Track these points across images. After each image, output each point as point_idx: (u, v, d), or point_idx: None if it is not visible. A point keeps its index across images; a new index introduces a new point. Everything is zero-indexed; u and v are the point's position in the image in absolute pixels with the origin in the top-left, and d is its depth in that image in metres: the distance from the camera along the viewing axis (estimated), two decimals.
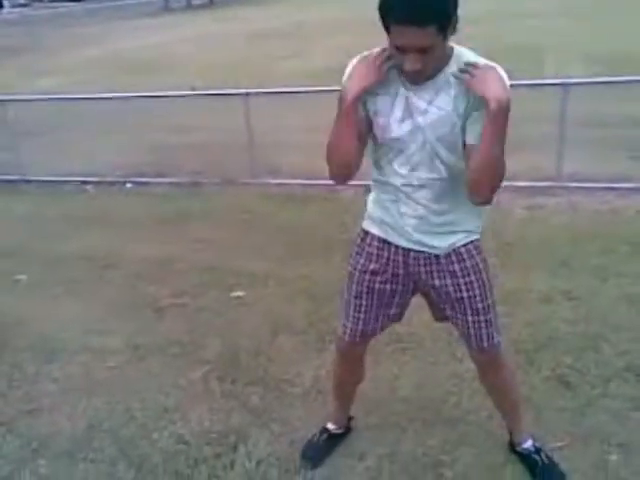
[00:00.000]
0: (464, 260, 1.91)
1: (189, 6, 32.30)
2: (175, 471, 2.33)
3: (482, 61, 1.67)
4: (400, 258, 1.94)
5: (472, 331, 1.97)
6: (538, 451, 2.20)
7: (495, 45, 11.15)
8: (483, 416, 2.46)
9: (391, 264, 1.96)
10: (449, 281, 1.92)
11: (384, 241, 1.96)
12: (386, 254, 1.96)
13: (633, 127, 5.88)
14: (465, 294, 1.92)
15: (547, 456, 2.19)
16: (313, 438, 2.40)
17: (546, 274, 3.53)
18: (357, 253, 2.03)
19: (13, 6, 49.80)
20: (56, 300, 3.70)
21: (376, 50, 1.71)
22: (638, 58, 8.38)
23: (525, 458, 2.21)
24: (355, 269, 2.02)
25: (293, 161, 5.76)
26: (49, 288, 3.85)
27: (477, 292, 1.92)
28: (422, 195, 1.82)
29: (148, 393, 2.78)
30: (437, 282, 1.94)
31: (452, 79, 1.67)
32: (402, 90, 1.72)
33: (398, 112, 1.74)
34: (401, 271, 1.96)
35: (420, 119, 1.71)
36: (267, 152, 5.83)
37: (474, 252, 1.92)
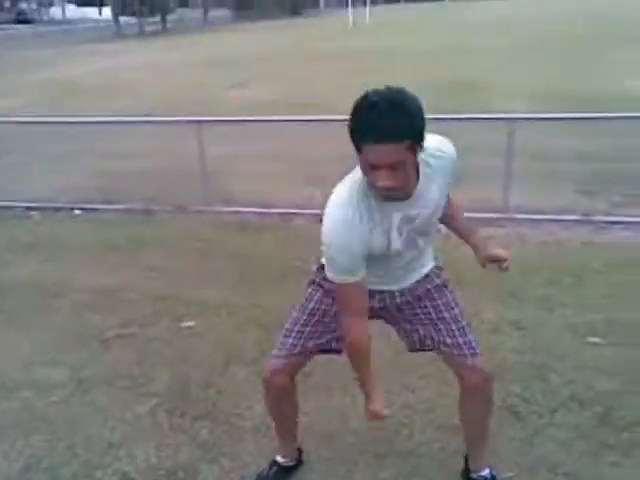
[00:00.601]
0: (433, 280, 2.05)
1: (141, 33, 32.23)
2: None
3: (433, 144, 1.81)
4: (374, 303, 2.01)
5: (461, 340, 2.01)
6: (494, 478, 2.22)
7: (444, 80, 11.57)
8: (435, 448, 2.47)
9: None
10: (427, 303, 2.04)
11: None
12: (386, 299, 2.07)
13: (577, 161, 6.13)
14: (446, 314, 2.02)
15: None
16: (263, 472, 2.36)
17: (495, 304, 3.60)
18: (317, 284, 2.08)
19: None
20: None
21: (347, 189, 1.75)
22: (579, 96, 8.81)
23: None
24: (314, 295, 2.09)
25: (247, 189, 5.75)
26: None
27: (453, 304, 2.05)
28: (400, 264, 1.94)
29: (92, 428, 2.68)
30: (417, 309, 2.05)
31: (429, 178, 1.78)
32: (394, 217, 1.78)
33: (396, 244, 1.81)
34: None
35: (415, 223, 1.82)
36: (220, 180, 5.81)
37: (439, 272, 2.08)
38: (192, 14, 43.50)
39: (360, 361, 1.90)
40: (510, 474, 2.33)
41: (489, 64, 13.35)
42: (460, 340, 2.01)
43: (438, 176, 1.82)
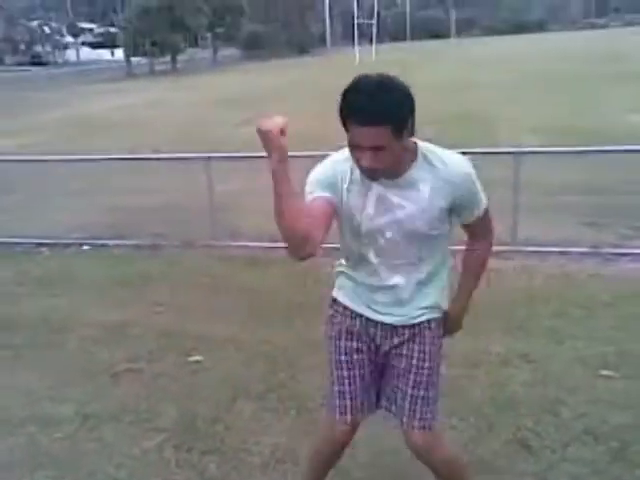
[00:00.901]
0: (422, 332, 1.95)
1: (152, 72, 32.91)
2: None
3: (447, 154, 1.82)
4: (368, 328, 1.98)
5: (407, 405, 1.94)
6: None
7: (450, 114, 11.70)
8: None
9: (362, 332, 1.99)
10: (405, 346, 1.95)
11: (352, 310, 2.00)
12: (357, 322, 1.99)
13: (583, 194, 6.14)
14: (415, 361, 1.94)
15: None
16: None
17: (504, 337, 3.57)
18: (330, 321, 2.05)
19: None
20: (4, 367, 3.55)
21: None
22: (581, 130, 8.87)
23: None
24: (331, 337, 2.03)
25: (255, 224, 5.78)
26: None
27: (427, 364, 1.94)
28: (392, 277, 1.89)
29: (98, 465, 2.65)
30: (395, 347, 1.97)
31: (425, 175, 1.78)
32: (375, 187, 1.80)
33: (370, 208, 1.81)
34: (368, 340, 1.99)
35: (395, 213, 1.80)
36: (228, 215, 5.85)
37: (434, 326, 1.98)
38: (202, 54, 44.40)
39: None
40: None
41: (494, 98, 13.51)
42: (407, 405, 1.94)
43: (436, 181, 1.78)
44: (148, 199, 6.75)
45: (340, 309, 2.02)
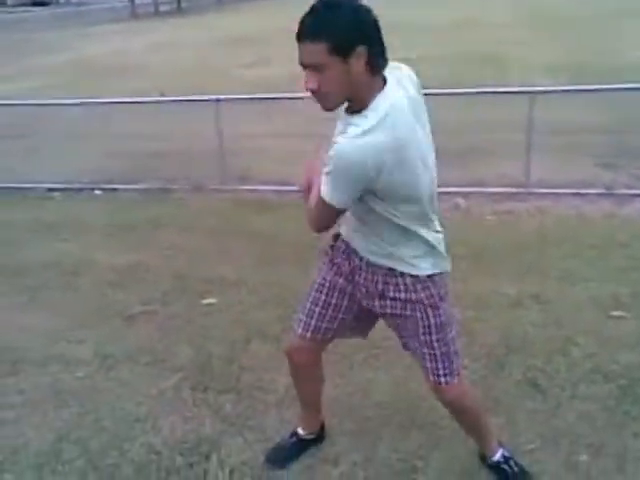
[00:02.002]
0: (408, 292, 1.89)
1: (157, 13, 32.07)
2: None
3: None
4: (359, 264, 1.95)
5: (429, 364, 1.96)
6: (507, 460, 2.21)
7: (462, 53, 11.38)
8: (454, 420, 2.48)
9: (353, 266, 1.98)
10: (394, 301, 1.92)
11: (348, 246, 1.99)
12: (352, 257, 1.98)
13: (598, 134, 6.02)
14: (409, 325, 1.93)
15: (516, 464, 2.20)
16: (281, 442, 2.40)
17: (515, 278, 3.58)
18: (330, 248, 2.07)
19: None
20: (21, 309, 3.61)
21: None
22: (595, 68, 8.62)
23: (495, 470, 2.22)
24: (323, 262, 2.07)
25: (265, 168, 5.75)
26: (14, 297, 3.76)
27: (420, 324, 1.91)
28: (356, 223, 1.88)
29: (118, 403, 2.73)
30: (384, 298, 1.93)
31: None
32: (338, 122, 1.77)
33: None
34: (358, 279, 1.97)
35: None
36: (238, 159, 5.81)
37: (418, 287, 1.88)
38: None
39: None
40: (532, 446, 2.34)
41: (506, 37, 13.11)
42: (428, 364, 1.96)
43: None
44: (157, 143, 6.70)
45: (340, 244, 2.03)
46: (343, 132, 1.62)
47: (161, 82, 10.19)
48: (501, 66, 9.87)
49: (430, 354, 1.94)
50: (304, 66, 1.61)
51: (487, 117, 6.37)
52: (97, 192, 5.75)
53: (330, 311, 2.05)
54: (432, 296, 1.88)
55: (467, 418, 2.14)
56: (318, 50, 1.55)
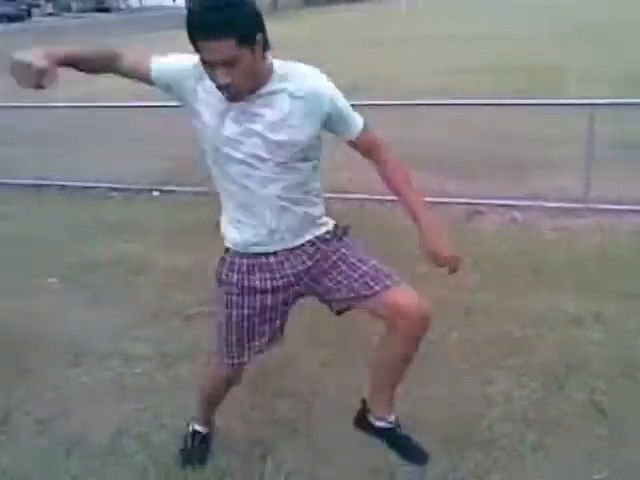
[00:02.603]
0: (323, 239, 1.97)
1: None
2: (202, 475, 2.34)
3: (303, 67, 1.81)
4: (267, 262, 1.95)
5: (367, 279, 1.87)
6: (399, 425, 2.11)
7: (509, 64, 11.23)
8: (514, 440, 2.44)
9: (263, 274, 1.96)
10: (311, 251, 1.95)
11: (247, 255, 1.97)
12: (255, 267, 1.97)
13: None
14: (335, 257, 1.94)
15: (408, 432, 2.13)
16: (186, 444, 2.45)
17: (574, 296, 3.51)
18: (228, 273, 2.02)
19: (42, 15, 50.81)
20: (86, 305, 3.74)
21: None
22: None
23: (388, 431, 2.10)
24: (231, 294, 2.01)
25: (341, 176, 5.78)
26: (79, 292, 3.89)
27: (344, 250, 1.95)
28: (271, 192, 1.84)
29: (177, 401, 2.79)
30: (312, 266, 1.95)
31: (283, 87, 1.76)
32: (231, 105, 1.77)
33: (229, 120, 1.78)
34: (275, 278, 1.97)
35: (252, 125, 1.77)
36: None
37: (327, 224, 2.00)
38: (263, 0, 43.80)
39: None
40: (599, 476, 2.27)
41: (550, 48, 12.89)
42: (373, 273, 1.88)
43: (294, 92, 1.76)
44: None
45: (235, 262, 2.03)
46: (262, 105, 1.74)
47: None
48: (552, 77, 9.72)
49: (368, 267, 1.89)
50: (212, 63, 1.64)
51: (545, 129, 6.27)
52: (155, 194, 5.90)
53: (261, 330, 2.05)
54: (331, 230, 2.00)
55: (412, 357, 1.95)
56: (228, 45, 1.60)
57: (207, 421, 2.47)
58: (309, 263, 1.96)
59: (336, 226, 2.02)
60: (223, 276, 2.02)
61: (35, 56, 1.59)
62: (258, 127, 1.76)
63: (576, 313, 3.32)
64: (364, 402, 2.17)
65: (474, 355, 3.00)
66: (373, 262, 1.92)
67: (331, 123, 1.84)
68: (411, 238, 2.09)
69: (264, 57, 1.72)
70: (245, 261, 1.97)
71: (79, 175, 6.21)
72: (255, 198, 1.85)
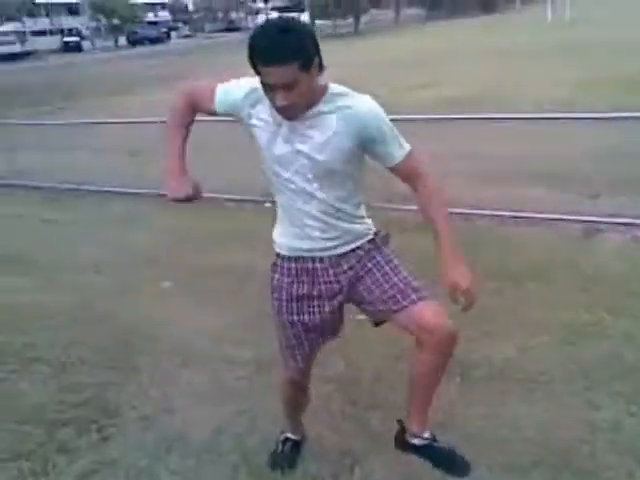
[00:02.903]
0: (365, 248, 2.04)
1: (335, 34, 33.46)
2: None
3: (354, 93, 1.86)
4: (313, 267, 2.04)
5: (397, 293, 1.95)
6: (435, 439, 2.12)
7: (599, 76, 10.47)
8: (622, 474, 2.27)
9: (310, 279, 2.05)
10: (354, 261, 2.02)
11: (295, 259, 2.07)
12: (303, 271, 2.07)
13: None
14: (375, 270, 2.00)
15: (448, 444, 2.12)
16: (277, 449, 2.52)
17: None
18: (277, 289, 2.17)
19: (179, 37, 54.52)
20: (196, 308, 3.95)
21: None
22: None
23: (425, 448, 2.12)
24: (281, 300, 2.15)
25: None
26: (190, 296, 4.12)
27: (383, 261, 2.02)
28: (315, 207, 1.95)
29: (273, 406, 2.86)
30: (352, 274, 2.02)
31: (332, 109, 1.84)
32: (284, 123, 1.86)
33: (280, 140, 1.88)
34: (320, 283, 2.05)
35: (303, 144, 1.86)
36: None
37: (370, 235, 2.06)
38: (385, 15, 44.14)
39: (176, 122, 2.08)
40: None
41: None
42: (402, 286, 1.96)
43: (343, 115, 1.83)
44: None
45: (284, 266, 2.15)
46: (313, 127, 1.84)
47: None
48: None
49: (399, 279, 1.97)
50: (273, 87, 1.74)
51: (632, 144, 5.81)
52: (267, 205, 6.11)
53: (310, 337, 2.16)
54: (375, 240, 2.07)
55: (442, 371, 2.03)
56: (290, 70, 1.70)
57: (295, 428, 2.54)
58: (350, 273, 2.03)
59: (376, 234, 2.08)
60: (275, 281, 2.16)
61: (173, 188, 2.00)
62: (305, 148, 1.86)
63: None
64: (401, 422, 2.20)
65: (582, 377, 2.83)
66: (404, 274, 2.00)
67: (372, 146, 1.89)
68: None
69: (318, 77, 1.81)
70: (293, 265, 2.09)
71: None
72: (301, 212, 1.97)
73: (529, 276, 3.91)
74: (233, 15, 62.54)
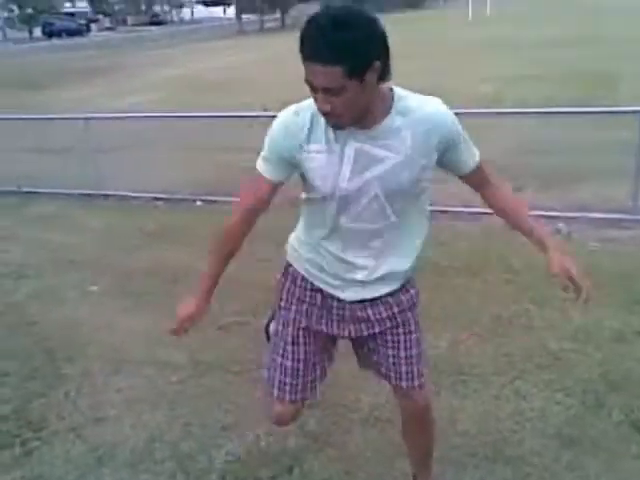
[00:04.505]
0: (399, 295, 1.84)
1: (261, 29, 33.24)
2: None
3: (423, 97, 1.65)
4: (331, 303, 1.87)
5: (404, 367, 1.87)
6: None
7: (569, 71, 10.97)
8: (548, 458, 2.37)
9: (322, 306, 1.89)
10: (385, 315, 1.84)
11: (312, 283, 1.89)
12: (318, 297, 1.88)
13: None
14: (401, 329, 1.86)
15: None
16: None
17: (619, 311, 3.38)
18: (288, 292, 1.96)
19: (100, 30, 52.74)
20: (125, 312, 3.83)
21: (306, 103, 1.64)
22: None
23: None
24: (288, 309, 1.94)
25: None
26: (119, 300, 3.99)
27: (413, 328, 1.87)
28: (365, 243, 1.74)
29: (208, 410, 2.82)
30: (373, 320, 1.86)
31: (404, 120, 1.60)
32: (350, 143, 1.61)
33: (347, 168, 1.63)
34: (329, 315, 1.90)
35: (377, 167, 1.62)
36: None
37: (408, 286, 1.86)
38: (311, 9, 44.25)
39: (218, 248, 1.93)
40: None
41: (622, 54, 12.50)
42: (403, 369, 1.88)
43: (417, 125, 1.60)
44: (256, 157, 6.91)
45: (298, 281, 1.92)
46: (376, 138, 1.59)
47: (266, 97, 10.53)
48: (608, 84, 9.44)
49: (407, 357, 1.87)
50: (314, 87, 1.50)
51: (592, 138, 6.10)
52: (198, 203, 6.00)
53: (312, 359, 1.95)
54: (413, 296, 1.87)
55: (429, 434, 2.05)
56: (333, 74, 1.43)
57: None
58: (367, 331, 1.88)
59: (417, 293, 1.89)
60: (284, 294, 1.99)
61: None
62: (377, 173, 1.62)
63: (619, 328, 3.21)
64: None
65: (510, 368, 2.93)
66: (415, 351, 1.88)
67: (446, 155, 1.68)
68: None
69: (379, 87, 1.55)
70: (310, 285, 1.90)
71: (124, 184, 6.37)
72: (349, 235, 1.73)
73: (457, 270, 4.02)
74: (157, 8, 60.94)
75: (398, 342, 1.86)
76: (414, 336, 1.87)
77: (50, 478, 2.47)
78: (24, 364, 3.27)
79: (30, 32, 50.84)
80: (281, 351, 1.96)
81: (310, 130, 1.62)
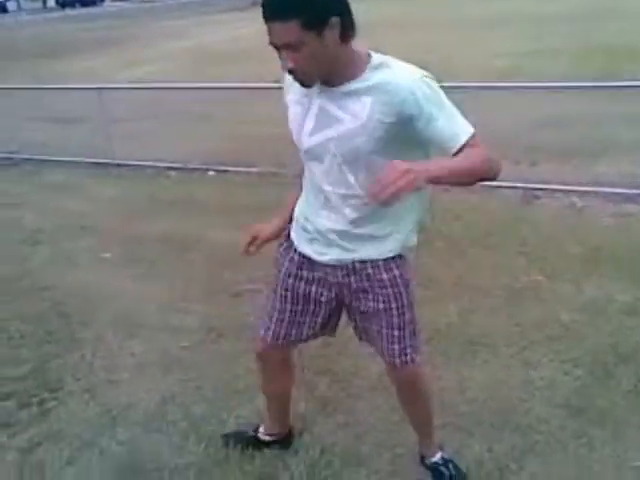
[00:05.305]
0: (381, 273, 1.82)
1: None
2: (241, 451, 2.38)
3: (402, 65, 1.60)
4: (321, 267, 1.90)
5: (385, 344, 1.91)
6: (446, 463, 2.18)
7: (588, 45, 10.75)
8: (554, 426, 2.39)
9: (313, 270, 1.92)
10: (367, 288, 1.85)
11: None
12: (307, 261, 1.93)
13: None
14: (381, 305, 1.85)
15: (454, 467, 2.17)
16: (242, 429, 2.45)
17: (631, 285, 3.37)
18: (282, 255, 2.01)
19: (113, 0, 52.29)
20: (138, 278, 3.87)
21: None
22: None
23: (433, 471, 2.19)
24: (280, 271, 2.00)
25: None
26: (132, 267, 4.03)
27: (393, 305, 1.85)
28: (340, 209, 1.75)
29: (219, 374, 2.86)
30: (354, 290, 1.88)
31: (370, 86, 1.58)
32: (316, 98, 1.67)
33: (310, 122, 1.70)
34: (322, 277, 1.92)
35: (335, 127, 1.64)
36: None
37: (393, 266, 1.82)
38: None
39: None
40: (639, 463, 2.20)
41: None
42: (396, 346, 1.91)
43: (382, 94, 1.56)
44: (270, 128, 6.87)
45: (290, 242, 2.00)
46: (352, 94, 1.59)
47: (279, 68, 10.45)
48: (628, 58, 9.26)
49: (387, 335, 1.89)
50: (276, 46, 1.54)
51: (610, 111, 6.01)
52: (210, 173, 6.01)
53: (297, 317, 2.01)
54: (397, 276, 1.83)
55: (420, 405, 2.11)
56: (290, 28, 1.47)
57: (267, 423, 2.38)
58: (349, 298, 1.92)
59: (400, 256, 1.83)
60: (282, 250, 2.04)
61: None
62: (334, 133, 1.64)
63: (630, 301, 3.20)
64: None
65: (518, 339, 2.94)
66: (396, 333, 1.89)
67: (420, 132, 1.57)
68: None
69: (344, 44, 1.56)
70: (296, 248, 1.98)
71: (137, 154, 6.38)
72: (322, 192, 1.77)
73: (471, 242, 4.01)
74: None
75: (379, 319, 1.88)
76: (395, 317, 1.86)
77: (67, 435, 2.53)
78: (40, 327, 3.33)
79: (44, 2, 50.55)
80: (272, 297, 2.06)
81: (291, 81, 1.67)
